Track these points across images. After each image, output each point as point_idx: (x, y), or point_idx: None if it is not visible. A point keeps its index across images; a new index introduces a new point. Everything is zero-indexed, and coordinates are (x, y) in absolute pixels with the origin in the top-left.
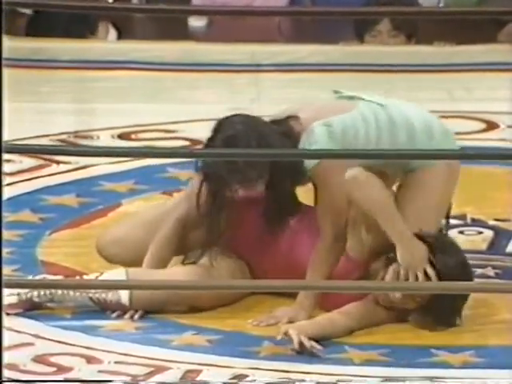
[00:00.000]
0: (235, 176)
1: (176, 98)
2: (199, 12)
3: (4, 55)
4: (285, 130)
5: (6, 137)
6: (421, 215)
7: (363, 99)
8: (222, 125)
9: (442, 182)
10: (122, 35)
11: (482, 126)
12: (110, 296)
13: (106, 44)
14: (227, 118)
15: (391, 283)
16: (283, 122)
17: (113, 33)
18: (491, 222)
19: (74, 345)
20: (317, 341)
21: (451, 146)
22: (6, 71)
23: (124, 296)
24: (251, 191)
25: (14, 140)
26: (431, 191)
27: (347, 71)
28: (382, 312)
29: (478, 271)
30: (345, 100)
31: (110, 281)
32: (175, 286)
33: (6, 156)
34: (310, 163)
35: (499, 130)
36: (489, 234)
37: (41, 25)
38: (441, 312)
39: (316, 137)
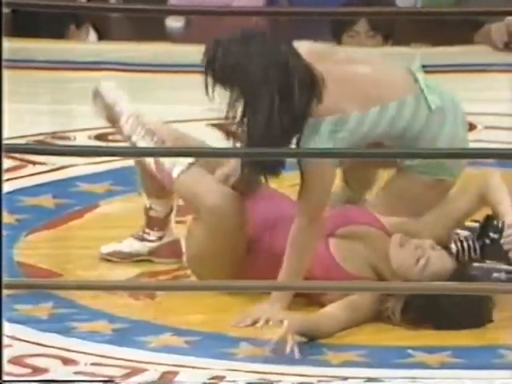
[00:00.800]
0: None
1: (153, 98)
2: (176, 12)
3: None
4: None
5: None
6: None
7: (422, 90)
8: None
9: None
10: (101, 36)
11: None
12: None
13: (85, 45)
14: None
15: (378, 284)
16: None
17: (93, 34)
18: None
19: (50, 346)
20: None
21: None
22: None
23: None
24: None
25: None
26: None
27: None
28: (372, 305)
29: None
30: (404, 76)
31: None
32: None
33: None
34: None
35: (477, 130)
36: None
37: (19, 24)
38: (426, 310)
39: (320, 134)
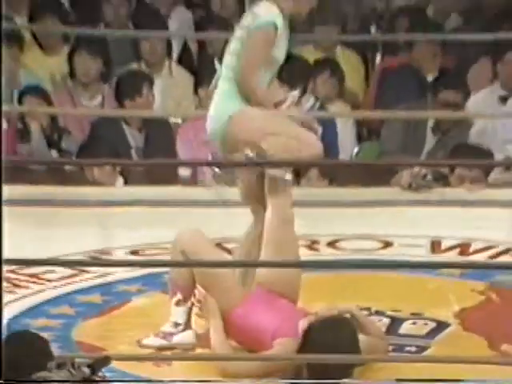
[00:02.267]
0: None
1: (171, 224)
2: (185, 164)
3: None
4: None
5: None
6: None
7: None
8: None
9: None
10: (127, 181)
11: (381, 244)
12: None
13: (113, 189)
14: None
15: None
16: None
17: (120, 180)
18: (388, 313)
19: None
20: None
21: None
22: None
23: None
24: None
25: (60, 256)
26: None
27: None
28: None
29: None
30: None
31: None
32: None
33: (51, 267)
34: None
35: (393, 247)
36: (386, 320)
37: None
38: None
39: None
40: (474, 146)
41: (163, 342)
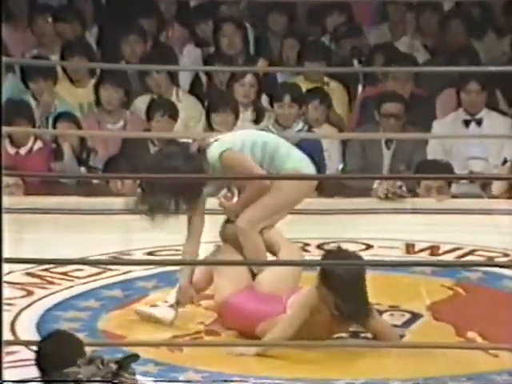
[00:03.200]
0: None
1: (178, 231)
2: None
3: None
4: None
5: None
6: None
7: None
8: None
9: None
10: None
11: (363, 247)
12: None
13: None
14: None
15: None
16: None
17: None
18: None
19: None
20: None
21: (308, 168)
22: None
23: None
24: None
25: (87, 256)
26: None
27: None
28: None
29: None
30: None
31: None
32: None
33: (80, 266)
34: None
35: (373, 249)
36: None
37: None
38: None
39: (212, 145)
40: (436, 161)
41: (148, 311)
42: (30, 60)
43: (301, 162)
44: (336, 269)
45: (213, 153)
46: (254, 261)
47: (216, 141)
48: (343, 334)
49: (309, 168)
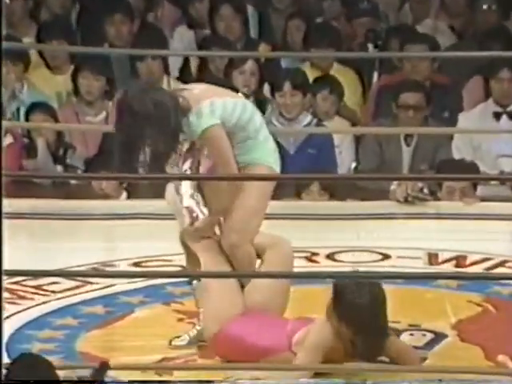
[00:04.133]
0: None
1: (168, 238)
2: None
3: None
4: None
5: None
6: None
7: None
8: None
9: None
10: (130, 195)
11: (379, 257)
12: None
13: (119, 202)
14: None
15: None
16: (176, 92)
17: (124, 193)
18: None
19: None
20: None
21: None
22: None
23: None
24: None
25: (65, 268)
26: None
27: (288, 219)
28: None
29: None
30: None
31: None
32: None
33: (55, 279)
34: (199, 127)
35: (391, 259)
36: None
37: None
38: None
39: (202, 110)
40: (459, 161)
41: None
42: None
43: (273, 154)
44: (354, 299)
45: (201, 122)
46: (262, 273)
47: (204, 107)
48: None
49: (276, 163)
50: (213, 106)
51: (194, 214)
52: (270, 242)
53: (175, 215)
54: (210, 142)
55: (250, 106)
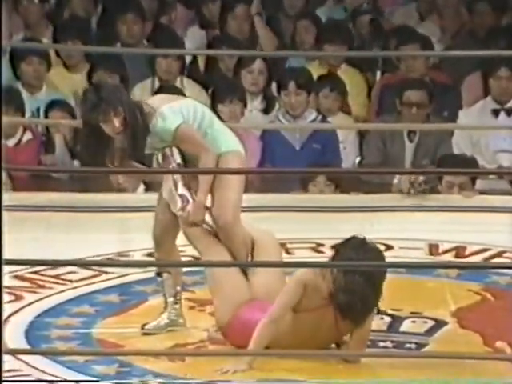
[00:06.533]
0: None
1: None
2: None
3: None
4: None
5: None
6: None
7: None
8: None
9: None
10: (148, 188)
11: (382, 247)
12: None
13: (134, 195)
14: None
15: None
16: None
17: (141, 187)
18: (389, 312)
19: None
20: None
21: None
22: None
23: None
24: (109, 126)
25: (81, 258)
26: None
27: (295, 211)
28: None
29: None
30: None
31: None
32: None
33: (73, 268)
34: (170, 127)
35: (394, 250)
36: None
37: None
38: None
39: (165, 114)
40: (459, 156)
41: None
42: (23, 43)
43: (234, 139)
44: (351, 253)
45: (166, 124)
46: (264, 262)
47: (163, 109)
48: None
49: (240, 145)
50: (172, 109)
51: (186, 200)
52: (255, 235)
53: (170, 204)
54: (184, 138)
55: (199, 105)
